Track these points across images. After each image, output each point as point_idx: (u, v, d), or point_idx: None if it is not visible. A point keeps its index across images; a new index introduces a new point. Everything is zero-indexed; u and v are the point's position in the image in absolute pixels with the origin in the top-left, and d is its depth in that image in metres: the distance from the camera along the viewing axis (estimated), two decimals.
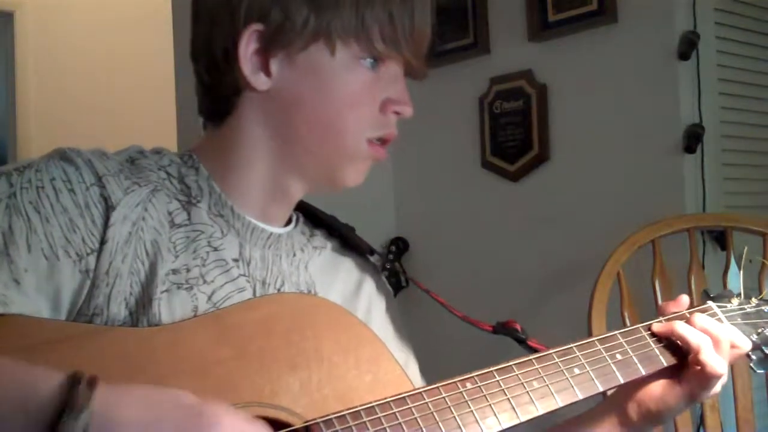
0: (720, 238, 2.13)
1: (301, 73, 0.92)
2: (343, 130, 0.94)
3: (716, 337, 1.00)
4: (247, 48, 0.91)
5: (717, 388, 1.01)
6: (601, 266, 1.71)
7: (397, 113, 0.97)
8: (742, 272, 1.16)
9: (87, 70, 4.18)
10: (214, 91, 0.96)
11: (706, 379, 0.99)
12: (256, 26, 0.91)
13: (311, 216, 1.07)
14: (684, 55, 2.16)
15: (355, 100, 0.94)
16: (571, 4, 2.38)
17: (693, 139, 2.16)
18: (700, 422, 1.87)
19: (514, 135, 2.57)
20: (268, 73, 0.92)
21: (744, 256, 1.16)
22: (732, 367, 1.57)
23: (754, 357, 1.09)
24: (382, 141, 0.98)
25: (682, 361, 1.02)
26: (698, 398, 1.01)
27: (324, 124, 0.94)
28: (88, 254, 0.83)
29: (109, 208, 0.85)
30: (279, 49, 0.92)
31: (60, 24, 4.28)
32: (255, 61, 0.92)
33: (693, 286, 1.75)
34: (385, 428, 0.80)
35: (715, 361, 0.98)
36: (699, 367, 0.99)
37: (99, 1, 4.17)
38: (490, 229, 2.67)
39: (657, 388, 1.02)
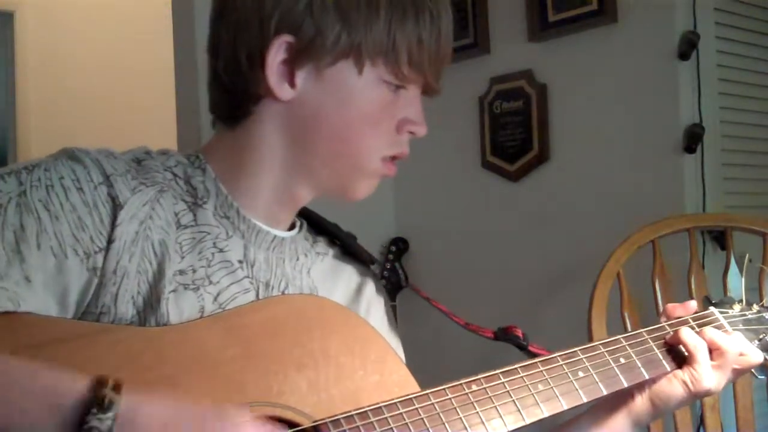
0: (720, 238, 2.13)
1: (325, 87, 0.93)
2: (360, 147, 0.95)
3: (722, 349, 1.04)
4: (275, 58, 0.91)
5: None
6: (601, 266, 1.71)
7: (411, 133, 0.98)
8: (744, 278, 1.17)
9: (87, 70, 4.17)
10: (232, 92, 0.95)
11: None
12: (287, 37, 0.91)
13: (314, 223, 1.08)
14: (684, 55, 2.17)
15: (375, 120, 0.95)
16: (571, 4, 2.38)
17: (693, 139, 2.17)
18: (700, 422, 1.87)
19: (514, 135, 2.57)
20: (292, 84, 0.92)
21: (745, 264, 1.17)
22: None
23: None
24: (393, 158, 0.99)
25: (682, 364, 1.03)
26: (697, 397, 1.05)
27: (342, 140, 0.95)
28: (95, 252, 0.84)
29: (116, 207, 0.86)
30: (307, 62, 0.92)
31: (60, 24, 4.28)
32: (281, 71, 0.92)
33: (693, 286, 1.75)
34: (392, 428, 0.81)
35: (706, 376, 1.02)
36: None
37: (99, 1, 4.16)
38: (490, 229, 2.67)
39: (665, 384, 1.04)
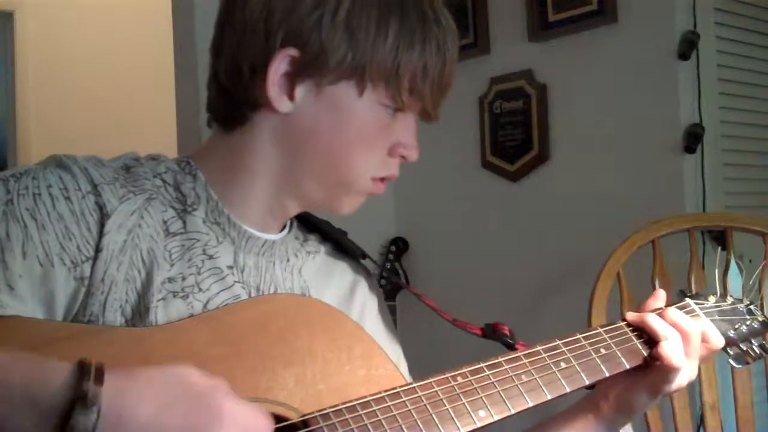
0: (720, 238, 2.13)
1: (323, 105, 0.92)
2: (351, 166, 0.95)
3: (685, 331, 1.02)
4: (278, 70, 0.90)
5: (682, 382, 1.02)
6: (601, 266, 1.71)
7: (402, 157, 0.98)
8: (717, 270, 1.19)
9: (87, 71, 4.18)
10: (230, 96, 0.95)
11: (665, 371, 1.01)
12: (292, 51, 0.90)
13: (305, 220, 1.08)
14: (684, 55, 2.16)
15: (368, 142, 0.95)
16: (571, 4, 2.38)
17: (693, 139, 2.16)
18: (700, 422, 1.86)
19: (514, 135, 2.57)
20: (292, 97, 0.92)
21: (717, 259, 1.18)
22: (732, 368, 1.57)
23: (731, 352, 1.12)
24: (382, 178, 0.99)
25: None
26: (661, 391, 1.03)
27: (333, 158, 0.94)
28: (83, 262, 0.84)
29: (104, 216, 0.85)
30: (308, 78, 0.91)
31: (60, 24, 4.28)
32: (282, 84, 0.91)
33: (693, 286, 1.75)
34: (380, 420, 0.81)
35: (674, 353, 1.00)
36: (658, 361, 1.01)
37: (99, 1, 4.17)
38: (490, 229, 2.67)
39: (622, 380, 1.04)
